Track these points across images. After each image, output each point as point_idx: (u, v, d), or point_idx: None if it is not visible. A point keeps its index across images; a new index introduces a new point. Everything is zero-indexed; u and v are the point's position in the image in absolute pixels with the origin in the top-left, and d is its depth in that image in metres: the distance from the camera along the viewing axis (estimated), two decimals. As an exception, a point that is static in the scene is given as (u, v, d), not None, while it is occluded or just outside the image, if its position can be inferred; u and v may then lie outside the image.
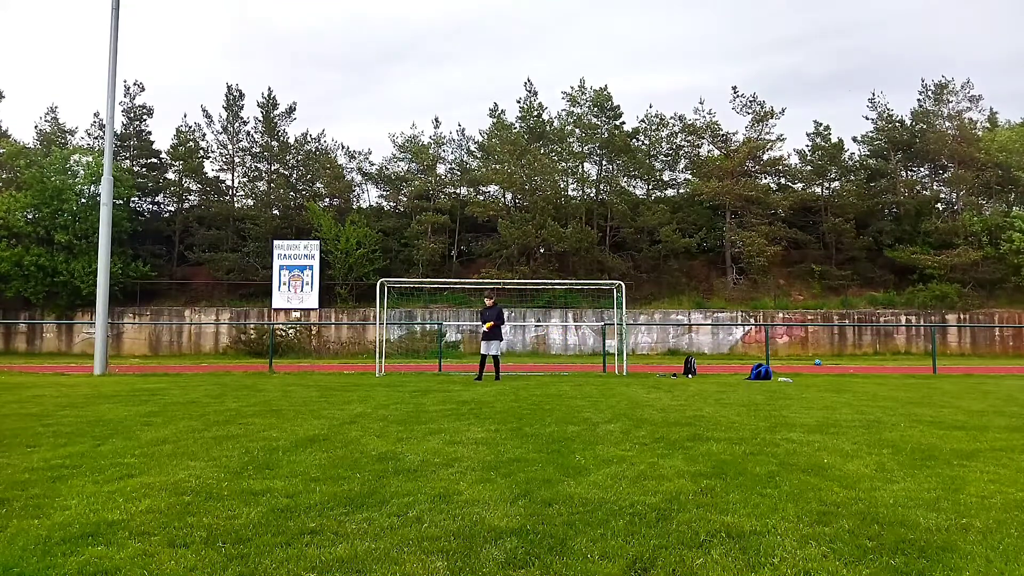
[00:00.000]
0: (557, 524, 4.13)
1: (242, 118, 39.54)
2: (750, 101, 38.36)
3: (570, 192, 39.83)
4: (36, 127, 40.89)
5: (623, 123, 39.30)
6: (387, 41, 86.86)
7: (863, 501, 4.66)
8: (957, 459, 6.14)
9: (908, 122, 40.02)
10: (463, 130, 41.26)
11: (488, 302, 15.80)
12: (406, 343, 31.81)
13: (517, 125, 39.44)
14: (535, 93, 39.86)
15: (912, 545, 3.77)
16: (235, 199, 40.47)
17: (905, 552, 3.67)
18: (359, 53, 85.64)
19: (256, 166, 40.02)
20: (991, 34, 78.83)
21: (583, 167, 39.62)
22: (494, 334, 15.47)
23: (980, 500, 4.72)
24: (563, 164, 39.14)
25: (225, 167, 40.28)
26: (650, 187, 41.82)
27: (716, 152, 39.76)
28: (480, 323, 16.10)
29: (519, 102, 39.93)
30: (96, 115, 41.02)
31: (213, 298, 35.61)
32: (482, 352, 15.84)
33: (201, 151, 39.58)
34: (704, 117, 39.30)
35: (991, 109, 41.36)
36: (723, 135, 39.07)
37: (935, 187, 40.98)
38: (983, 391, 12.99)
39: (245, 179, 40.20)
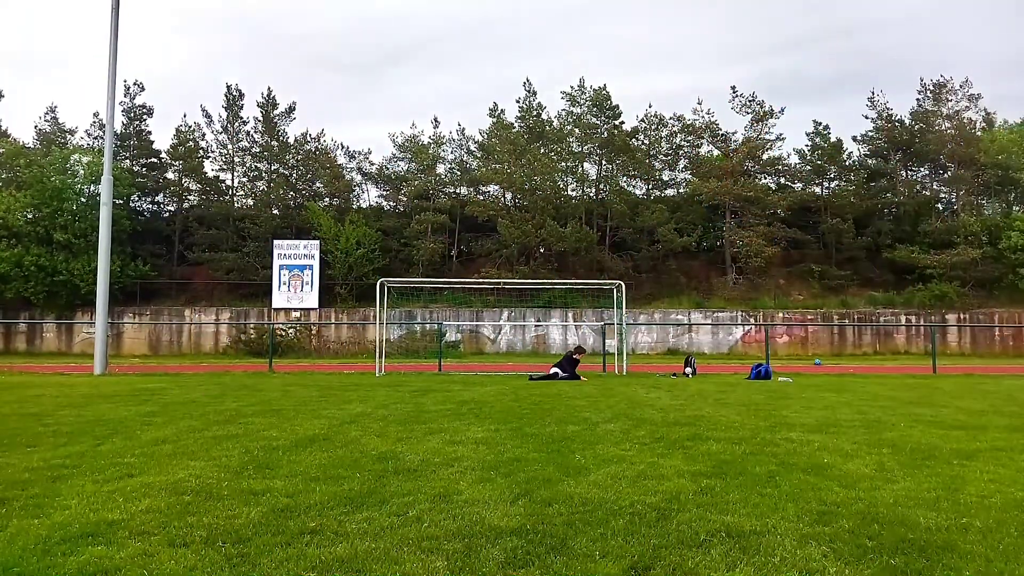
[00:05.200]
0: (557, 524, 4.13)
1: (242, 118, 39.56)
2: (749, 101, 38.35)
3: (569, 192, 39.85)
4: (36, 127, 41.01)
5: (622, 123, 39.31)
6: (387, 43, 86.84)
7: (863, 501, 4.67)
8: (957, 459, 6.14)
9: (907, 122, 40.02)
10: (463, 130, 41.21)
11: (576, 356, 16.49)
12: (406, 343, 31.81)
13: (517, 125, 39.45)
14: (534, 93, 39.92)
15: (912, 545, 3.77)
16: (235, 199, 40.50)
17: (905, 552, 3.67)
18: (359, 55, 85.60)
19: (256, 166, 40.03)
20: (990, 37, 78.76)
21: (582, 167, 39.63)
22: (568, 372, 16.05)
23: (980, 500, 4.72)
24: (562, 164, 39.14)
25: (225, 167, 40.32)
26: (649, 187, 41.84)
27: (715, 152, 39.78)
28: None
29: (518, 101, 39.99)
30: (96, 115, 41.02)
31: (213, 298, 35.62)
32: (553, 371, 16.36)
33: (201, 151, 39.61)
34: (703, 117, 39.30)
35: (986, 110, 41.34)
36: (722, 135, 39.06)
37: (934, 187, 41.00)
38: (983, 391, 12.99)
39: (245, 179, 40.24)
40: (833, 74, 79.80)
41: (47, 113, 41.24)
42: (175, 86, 72.86)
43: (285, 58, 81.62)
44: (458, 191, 40.15)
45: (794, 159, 39.98)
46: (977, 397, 11.70)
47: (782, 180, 40.44)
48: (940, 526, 4.11)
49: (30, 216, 34.06)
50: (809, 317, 33.48)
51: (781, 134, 39.57)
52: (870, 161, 40.84)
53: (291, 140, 39.88)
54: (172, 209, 40.68)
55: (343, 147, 41.69)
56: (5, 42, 77.90)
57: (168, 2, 77.91)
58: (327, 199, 39.93)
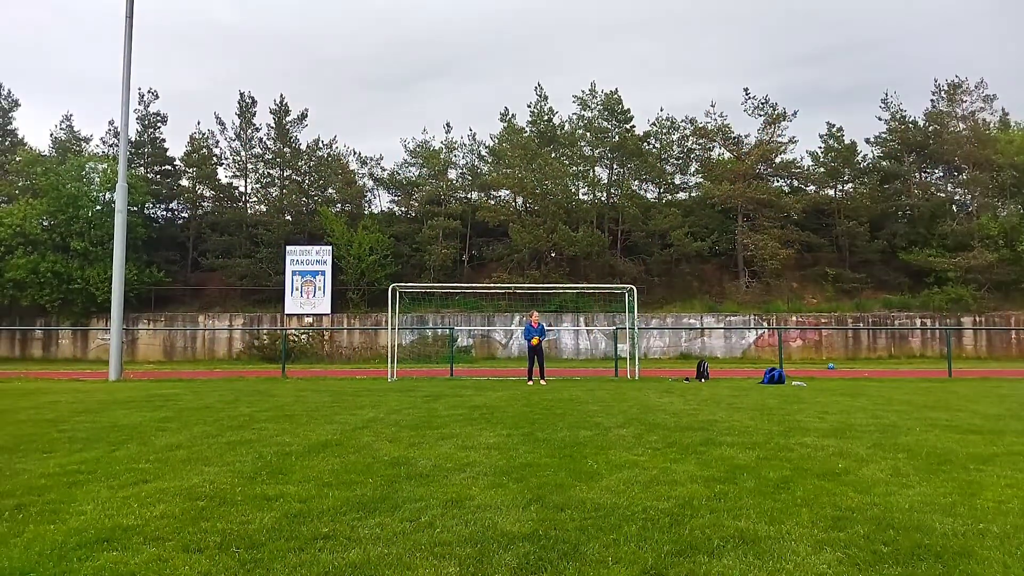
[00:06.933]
0: (570, 529, 4.12)
1: (255, 125, 39.81)
2: (762, 103, 38.20)
3: (581, 196, 39.81)
4: (52, 135, 41.32)
5: (633, 127, 39.23)
6: (404, 58, 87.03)
7: (878, 506, 4.63)
8: (973, 463, 6.08)
9: (921, 123, 39.71)
10: (474, 135, 41.28)
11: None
12: (418, 348, 31.87)
13: (528, 130, 39.46)
14: (545, 98, 39.89)
15: (928, 551, 3.74)
16: (248, 205, 40.76)
17: (921, 558, 3.64)
18: (377, 68, 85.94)
19: (269, 172, 40.29)
20: (1010, 50, 77.72)
21: (594, 171, 39.60)
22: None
23: (997, 505, 4.67)
24: (574, 168, 39.12)
25: (238, 173, 40.59)
26: (661, 191, 41.74)
27: (727, 155, 39.62)
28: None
29: (530, 106, 39.98)
30: (111, 123, 41.38)
31: (226, 304, 35.83)
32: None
33: (214, 158, 39.91)
34: (715, 120, 39.19)
35: (1003, 110, 40.97)
36: (734, 138, 38.92)
37: (949, 189, 40.64)
38: (999, 394, 12.87)
39: (258, 185, 40.47)
40: (851, 85, 79.31)
41: (63, 121, 41.65)
42: (189, 93, 73.48)
43: (297, 69, 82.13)
44: (469, 196, 40.21)
45: (807, 162, 39.77)
46: (994, 401, 11.59)
47: (795, 183, 40.21)
48: (957, 532, 4.07)
49: (46, 223, 34.40)
50: (823, 320, 33.26)
51: (794, 137, 39.40)
52: (884, 163, 40.52)
53: (303, 147, 40.11)
54: (186, 216, 40.97)
55: (355, 153, 41.99)
56: (21, 50, 78.88)
57: (182, 10, 78.53)
58: (339, 205, 40.11)
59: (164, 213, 41.01)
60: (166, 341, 33.98)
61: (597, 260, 36.19)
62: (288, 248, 34.81)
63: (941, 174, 41.10)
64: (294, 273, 34.15)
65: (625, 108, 38.89)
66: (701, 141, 39.84)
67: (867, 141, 40.76)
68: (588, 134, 39.01)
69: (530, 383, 16.09)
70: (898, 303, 34.46)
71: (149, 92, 40.15)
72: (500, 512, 4.49)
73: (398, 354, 19.71)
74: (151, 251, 36.56)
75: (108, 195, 33.68)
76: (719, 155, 40.15)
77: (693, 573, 3.45)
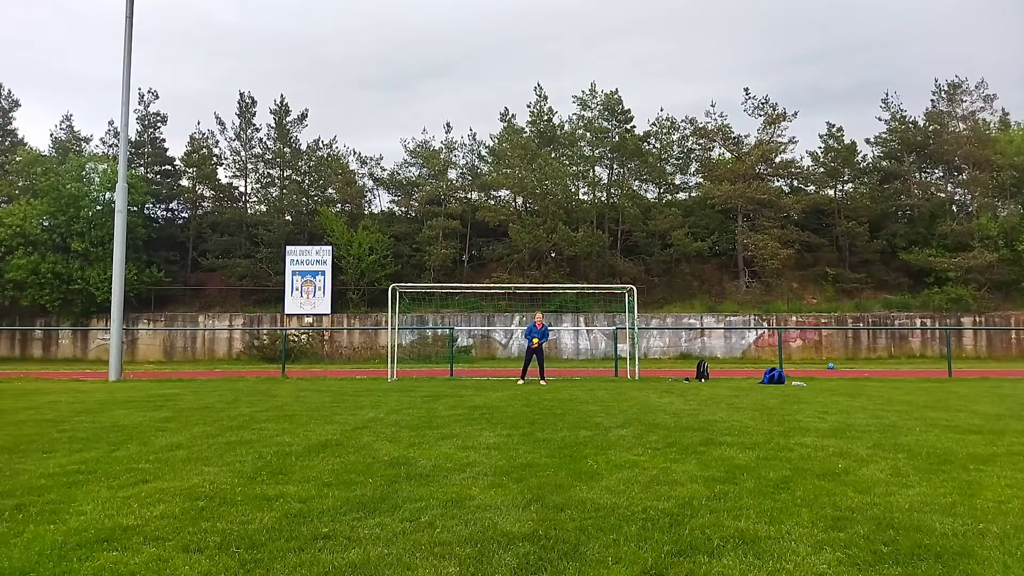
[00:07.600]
0: (569, 529, 4.12)
1: (255, 125, 39.81)
2: (762, 103, 38.20)
3: (581, 196, 39.80)
4: (52, 135, 41.30)
5: (633, 127, 39.23)
6: (404, 59, 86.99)
7: (878, 506, 4.63)
8: (973, 463, 6.08)
9: (921, 123, 39.71)
10: (474, 135, 41.29)
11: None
12: (418, 348, 31.86)
13: (527, 130, 39.46)
14: (545, 98, 39.88)
15: (928, 551, 3.74)
16: (248, 205, 40.76)
17: (921, 558, 3.64)
18: (377, 68, 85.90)
19: (269, 172, 40.29)
20: (1010, 49, 77.58)
21: (594, 171, 39.60)
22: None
23: (997, 505, 4.67)
24: (574, 168, 39.12)
25: (238, 173, 40.59)
26: (661, 190, 41.74)
27: (727, 155, 39.62)
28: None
29: (529, 106, 39.97)
30: (111, 123, 41.48)
31: (226, 304, 35.83)
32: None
33: (215, 158, 39.90)
34: (715, 120, 39.19)
35: (1003, 110, 40.99)
36: (734, 138, 38.93)
37: (949, 189, 40.64)
38: (999, 394, 12.86)
39: (258, 185, 40.47)
40: (851, 85, 79.25)
41: (63, 121, 41.65)
42: (189, 93, 73.47)
43: (300, 70, 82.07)
44: (469, 196, 40.21)
45: (807, 162, 39.77)
46: (993, 401, 11.59)
47: (795, 183, 40.21)
48: (956, 532, 4.07)
49: (46, 224, 34.39)
50: (823, 321, 33.26)
51: (794, 137, 39.45)
52: (884, 163, 40.53)
53: (303, 147, 40.12)
54: (186, 216, 40.97)
55: (355, 153, 42.00)
56: (21, 50, 78.85)
57: (182, 10, 78.53)
58: (339, 205, 40.11)
59: (164, 213, 41.01)
60: (166, 341, 33.98)
61: (597, 260, 36.19)
62: (288, 248, 34.82)
63: (941, 174, 41.10)
64: (294, 273, 34.15)
65: (625, 108, 38.89)
66: (701, 141, 39.85)
67: (867, 141, 40.81)
68: (588, 134, 39.00)
69: (520, 382, 16.10)
70: (898, 303, 34.46)
71: (149, 92, 40.21)
72: (500, 512, 4.49)
73: (398, 354, 19.71)
74: (151, 251, 36.56)
75: (108, 195, 33.66)
76: (719, 155, 40.18)
77: (693, 573, 3.45)
